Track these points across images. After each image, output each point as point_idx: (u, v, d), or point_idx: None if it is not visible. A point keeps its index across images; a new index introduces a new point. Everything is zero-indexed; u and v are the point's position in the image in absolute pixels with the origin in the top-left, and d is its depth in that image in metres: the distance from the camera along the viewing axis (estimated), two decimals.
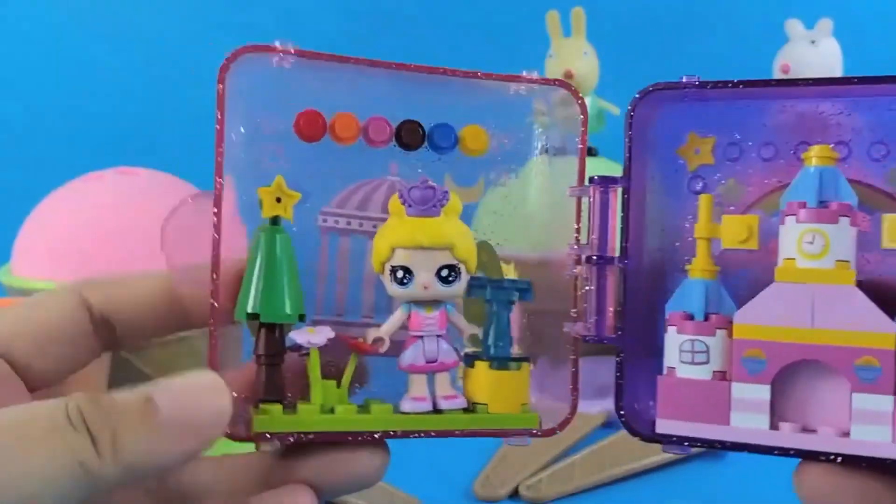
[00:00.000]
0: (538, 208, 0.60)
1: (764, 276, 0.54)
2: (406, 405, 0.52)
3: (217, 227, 0.50)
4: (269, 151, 0.54)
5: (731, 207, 0.57)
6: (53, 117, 1.55)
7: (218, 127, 0.50)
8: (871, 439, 0.50)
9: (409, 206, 0.52)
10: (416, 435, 0.52)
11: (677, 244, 0.58)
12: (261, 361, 0.52)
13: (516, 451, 0.79)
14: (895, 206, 0.55)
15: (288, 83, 0.53)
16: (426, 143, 0.56)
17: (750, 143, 0.58)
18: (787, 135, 0.57)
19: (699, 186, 0.58)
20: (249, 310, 0.51)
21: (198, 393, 0.43)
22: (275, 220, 0.52)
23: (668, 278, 0.58)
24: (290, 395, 0.53)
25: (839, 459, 0.50)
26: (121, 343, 0.54)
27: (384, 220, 0.55)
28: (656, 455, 0.77)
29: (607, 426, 0.90)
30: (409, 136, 0.56)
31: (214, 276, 0.50)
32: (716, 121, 0.58)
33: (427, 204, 0.52)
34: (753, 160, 0.58)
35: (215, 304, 0.50)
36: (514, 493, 0.71)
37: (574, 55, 1.17)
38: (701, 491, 0.72)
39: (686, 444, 0.54)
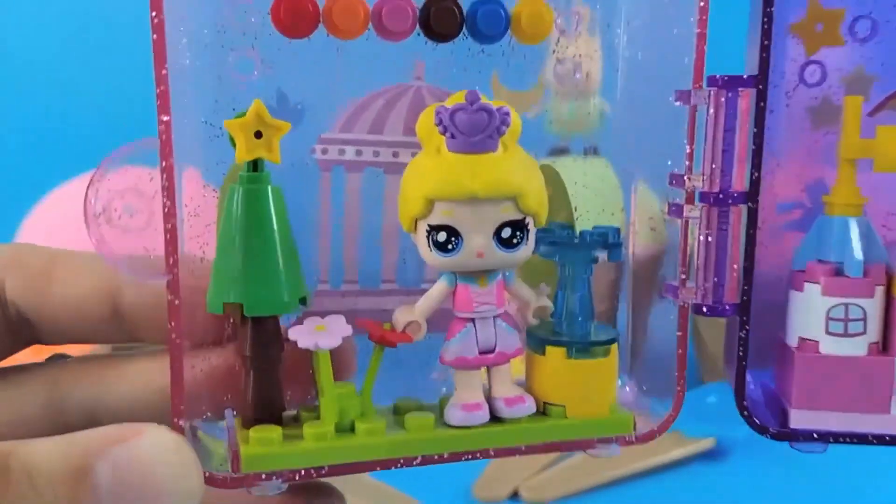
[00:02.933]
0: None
1: None
2: (456, 415, 0.37)
3: (169, 191, 0.33)
4: (237, 58, 0.36)
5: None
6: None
7: (155, 37, 0.31)
8: None
9: (453, 136, 0.35)
10: (471, 457, 0.37)
11: (780, 167, 0.42)
12: (249, 366, 0.36)
13: None
14: None
15: None
16: (465, 31, 0.39)
17: (888, 19, 0.41)
18: None
19: (816, 77, 0.42)
20: (229, 299, 0.35)
21: (153, 467, 0.31)
22: (255, 166, 0.35)
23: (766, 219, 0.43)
24: (288, 396, 0.38)
25: None
26: (47, 341, 0.39)
27: (409, 145, 0.38)
28: (657, 456, 0.72)
29: None
30: (442, 20, 0.38)
31: (171, 260, 0.33)
32: None
33: (481, 133, 0.35)
34: (890, 41, 0.41)
35: (176, 301, 0.34)
36: (515, 494, 0.68)
37: None
38: (701, 492, 0.69)
39: (830, 440, 0.40)
